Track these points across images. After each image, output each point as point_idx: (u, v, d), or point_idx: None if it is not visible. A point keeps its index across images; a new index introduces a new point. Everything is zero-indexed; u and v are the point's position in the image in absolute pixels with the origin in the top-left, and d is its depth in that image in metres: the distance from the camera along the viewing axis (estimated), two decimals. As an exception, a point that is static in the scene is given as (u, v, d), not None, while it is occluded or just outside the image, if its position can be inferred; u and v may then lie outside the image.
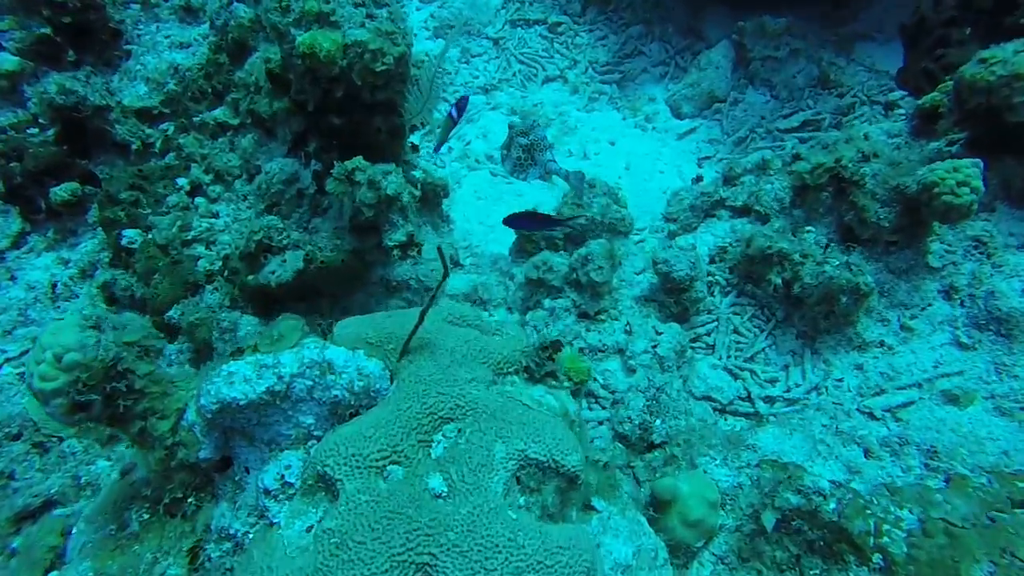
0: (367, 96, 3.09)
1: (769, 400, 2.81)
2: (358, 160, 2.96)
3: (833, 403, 2.63)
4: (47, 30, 3.98)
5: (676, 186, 5.07)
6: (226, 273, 3.38)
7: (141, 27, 4.36)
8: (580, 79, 5.97)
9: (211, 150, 3.95)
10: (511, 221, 2.98)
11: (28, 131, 3.77)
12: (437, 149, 3.53)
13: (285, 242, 3.27)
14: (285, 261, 3.23)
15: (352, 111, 3.18)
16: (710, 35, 5.72)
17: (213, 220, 3.72)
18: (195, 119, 3.97)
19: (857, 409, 2.57)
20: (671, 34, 5.96)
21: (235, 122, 3.96)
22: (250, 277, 3.29)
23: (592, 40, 6.24)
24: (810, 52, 5.18)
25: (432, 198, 4.12)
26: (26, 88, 3.93)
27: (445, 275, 1.64)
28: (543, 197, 5.02)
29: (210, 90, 4.02)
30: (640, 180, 5.10)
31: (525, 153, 3.28)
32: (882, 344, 2.75)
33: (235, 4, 4.14)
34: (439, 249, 1.65)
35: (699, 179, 4.14)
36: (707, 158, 5.24)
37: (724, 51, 5.41)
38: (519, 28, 6.43)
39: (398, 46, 3.04)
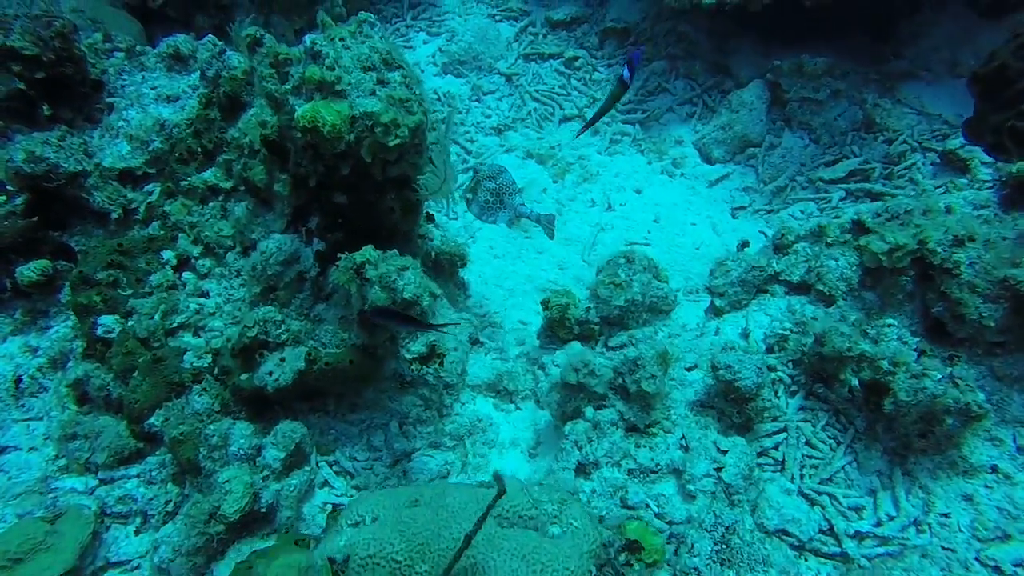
0: (378, 172, 2.67)
1: (857, 537, 2.36)
2: (368, 252, 2.53)
3: (943, 547, 2.19)
4: (20, 85, 3.57)
5: (710, 240, 4.66)
6: (216, 371, 2.94)
7: (125, 77, 3.95)
8: (604, 120, 5.56)
9: (200, 217, 3.52)
10: (376, 315, 2.38)
11: (-6, 200, 3.34)
12: (593, 122, 2.84)
13: (284, 336, 2.83)
14: (284, 360, 2.79)
15: (360, 188, 2.75)
16: (740, 72, 5.32)
17: (202, 300, 3.29)
18: (183, 183, 3.54)
19: (976, 559, 2.13)
20: (697, 71, 5.57)
21: (227, 185, 3.54)
22: (244, 377, 2.85)
23: (611, 76, 5.84)
24: (852, 93, 4.78)
25: (448, 267, 3.69)
26: (-6, 150, 3.51)
27: (500, 494, 1.21)
28: (565, 253, 4.60)
29: (200, 149, 3.60)
30: (671, 234, 4.68)
31: (493, 197, 3.22)
32: (995, 470, 2.31)
33: (228, 53, 3.74)
34: (496, 476, 1.22)
35: (745, 244, 3.71)
36: (742, 208, 4.83)
37: (757, 91, 5.01)
38: (533, 63, 6.03)
39: (414, 114, 2.62)
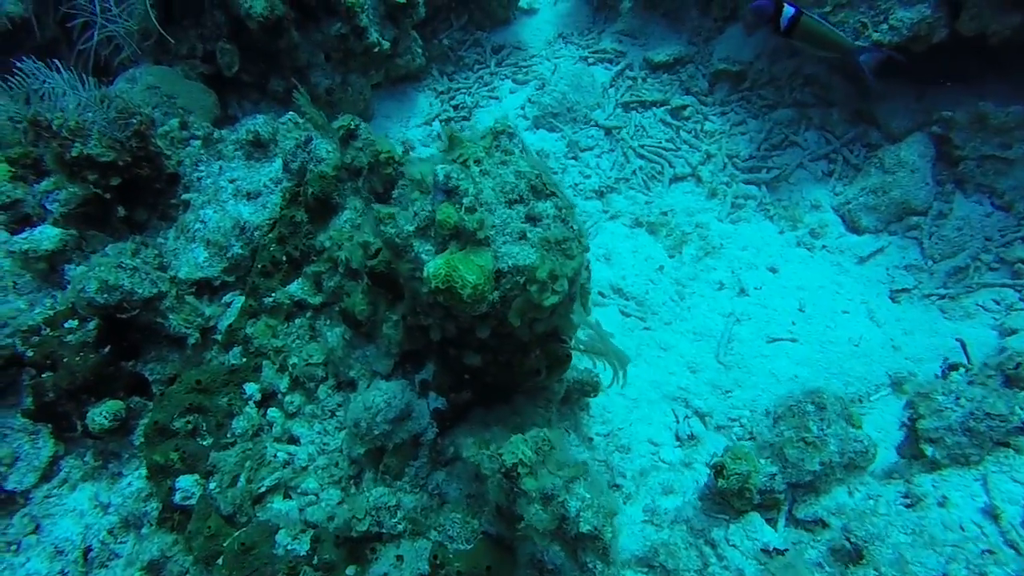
0: (525, 333, 2.05)
1: None
2: (520, 448, 1.91)
3: None
4: (95, 189, 3.17)
5: (869, 332, 3.87)
6: (316, 560, 2.39)
7: (202, 168, 3.50)
8: (718, 178, 4.85)
9: (286, 338, 3.01)
10: None
11: (65, 324, 2.91)
12: None
13: (400, 527, 2.25)
14: (401, 559, 2.21)
15: (499, 349, 2.15)
16: (889, 122, 4.51)
17: (292, 449, 2.76)
18: (266, 299, 3.04)
19: None
20: (834, 120, 4.78)
21: (316, 301, 3.02)
22: (351, 570, 2.29)
23: (727, 126, 5.12)
24: (1048, 150, 3.91)
25: (577, 396, 3.07)
26: (69, 267, 3.11)
27: None
28: (695, 351, 3.90)
29: (284, 258, 3.10)
30: (820, 326, 3.92)
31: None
32: None
33: (315, 142, 3.23)
34: None
35: (953, 368, 2.94)
36: (905, 291, 4.02)
37: (919, 147, 4.20)
38: (634, 112, 5.37)
39: (573, 258, 2.00)
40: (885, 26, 3.86)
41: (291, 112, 3.79)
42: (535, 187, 2.03)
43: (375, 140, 2.91)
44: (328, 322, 3.00)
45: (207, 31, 4.52)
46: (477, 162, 2.02)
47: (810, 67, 4.95)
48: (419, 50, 5.29)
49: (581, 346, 2.24)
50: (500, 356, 2.16)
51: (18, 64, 2.69)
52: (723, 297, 4.17)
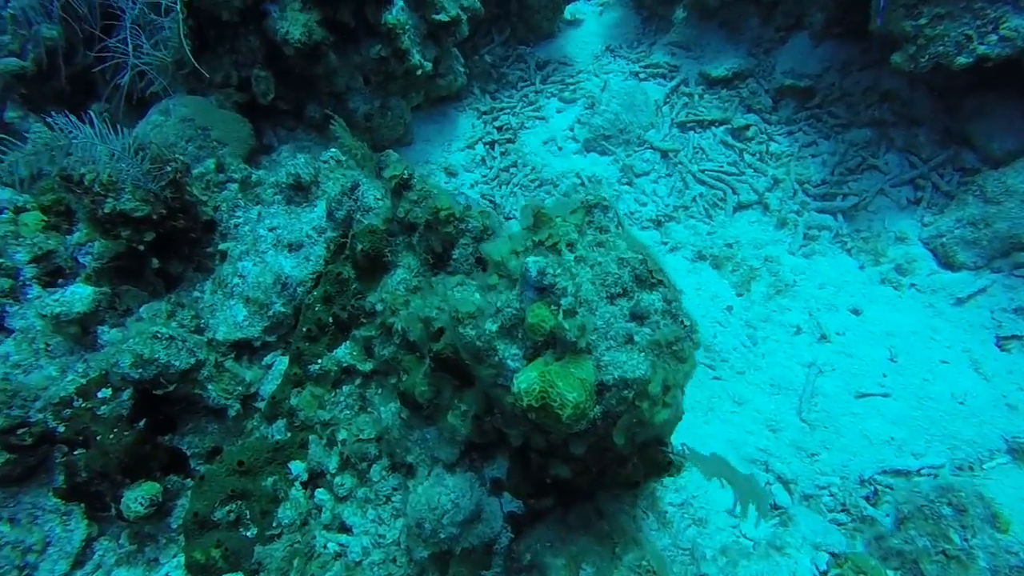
0: (626, 447, 1.73)
1: None
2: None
3: None
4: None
5: (975, 387, 3.45)
6: None
7: (239, 214, 3.24)
8: (787, 206, 4.45)
9: (334, 408, 2.74)
10: None
11: (99, 393, 2.68)
12: None
13: (473, 658, 1.95)
14: None
15: (593, 461, 1.83)
16: (989, 143, 4.06)
17: (344, 540, 2.48)
18: (312, 367, 2.77)
19: None
20: (920, 141, 4.35)
21: (366, 368, 2.74)
22: None
23: (794, 147, 4.71)
24: None
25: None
26: (102, 329, 2.88)
27: None
28: (774, 406, 3.53)
29: (331, 320, 2.82)
30: (916, 379, 3.52)
31: None
32: None
33: (362, 188, 2.94)
34: None
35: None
36: (1015, 337, 3.59)
37: (1025, 174, 3.75)
38: (692, 132, 4.99)
39: (685, 360, 1.67)
40: (994, 37, 3.43)
41: (333, 149, 3.52)
42: (639, 275, 1.70)
43: (432, 193, 2.61)
44: (379, 391, 2.72)
45: (242, 57, 4.26)
46: (570, 246, 1.70)
47: (889, 80, 4.52)
48: (461, 69, 4.98)
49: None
50: (593, 467, 1.85)
51: (51, 117, 2.44)
52: (801, 343, 3.79)
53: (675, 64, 5.40)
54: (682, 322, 1.70)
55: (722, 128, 4.96)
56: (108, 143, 2.63)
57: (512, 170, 4.97)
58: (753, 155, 4.75)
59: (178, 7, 3.57)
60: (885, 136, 4.46)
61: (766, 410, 3.51)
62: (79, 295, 2.82)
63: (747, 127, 4.85)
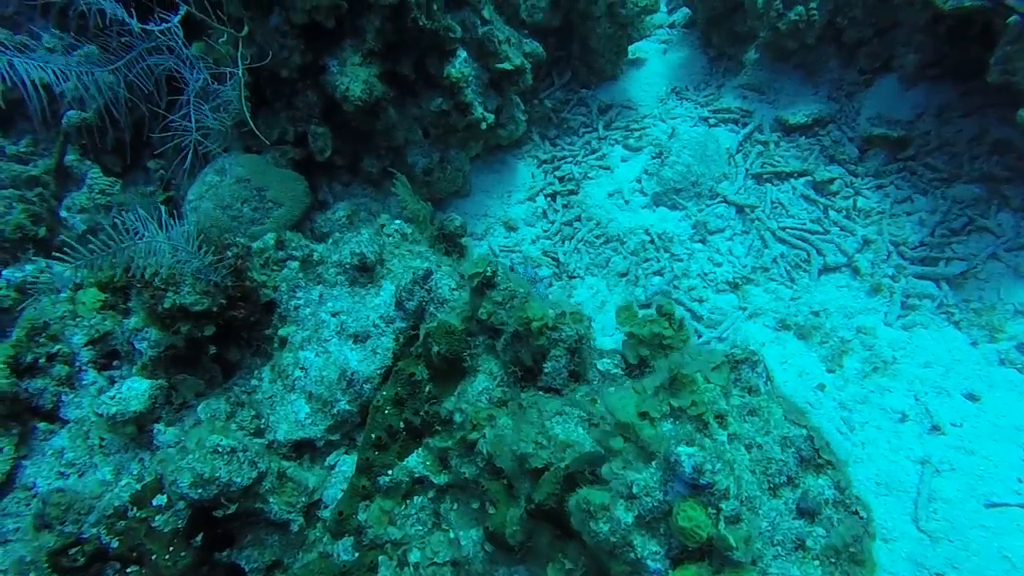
0: (787, 666, 1.41)
1: None
2: None
3: None
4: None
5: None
6: None
7: (299, 295, 3.03)
8: (881, 270, 4.07)
9: (404, 523, 2.49)
10: None
11: (153, 501, 2.47)
12: None
13: None
14: None
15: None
16: (1116, 210, 3.63)
17: None
18: (381, 479, 2.52)
19: None
20: (1036, 201, 3.93)
21: (440, 480, 2.48)
22: None
23: (886, 203, 4.33)
24: None
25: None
26: (158, 428, 2.69)
27: None
28: (883, 509, 3.15)
29: (402, 425, 2.57)
30: (1052, 484, 3.10)
31: None
32: None
33: (435, 277, 2.70)
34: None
35: None
36: None
37: None
38: (769, 185, 4.64)
39: (863, 564, 1.35)
40: None
41: (397, 221, 3.30)
42: (803, 455, 1.40)
43: (518, 293, 2.34)
44: (454, 506, 2.46)
45: (298, 112, 4.10)
46: (720, 419, 1.40)
47: (1000, 129, 4.11)
48: (522, 117, 4.74)
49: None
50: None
51: (107, 226, 2.27)
52: (908, 433, 3.40)
53: (747, 109, 5.07)
54: (857, 512, 1.39)
55: (802, 180, 4.61)
56: (170, 234, 2.45)
57: (576, 224, 4.69)
58: (839, 211, 4.38)
59: (239, 73, 3.41)
60: (997, 193, 4.05)
61: (875, 515, 3.12)
62: (135, 392, 2.63)
63: (831, 180, 4.48)
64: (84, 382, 2.93)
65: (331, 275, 3.03)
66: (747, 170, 4.74)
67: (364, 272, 2.99)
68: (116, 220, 2.25)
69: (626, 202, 4.73)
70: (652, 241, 4.49)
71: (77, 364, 2.94)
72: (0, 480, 2.58)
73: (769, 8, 4.63)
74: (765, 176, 4.68)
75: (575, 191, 4.86)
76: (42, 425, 2.83)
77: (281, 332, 2.93)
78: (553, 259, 4.55)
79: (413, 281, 2.70)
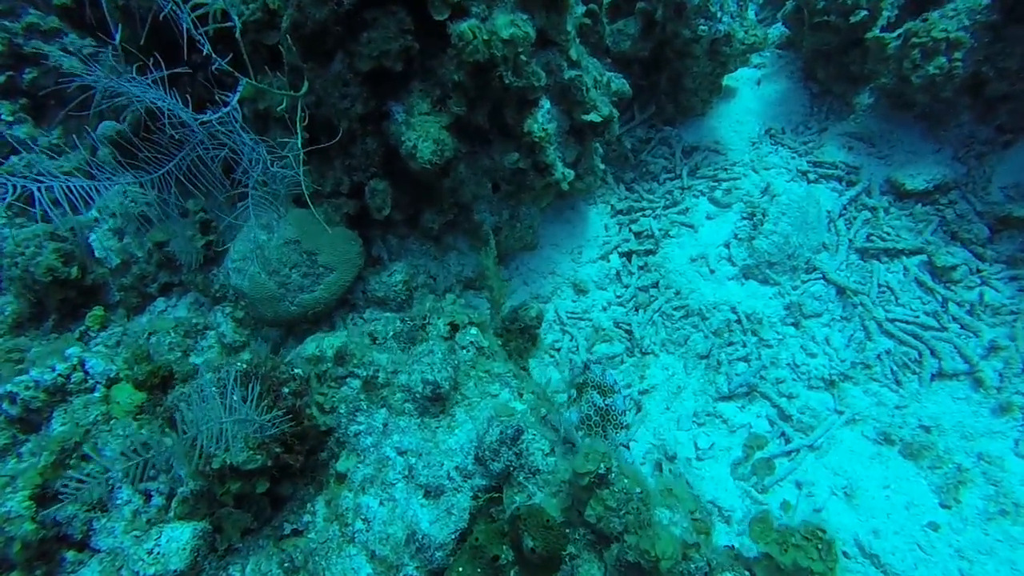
0: None
1: None
2: None
3: None
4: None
5: None
6: None
7: (360, 419, 2.67)
8: (1012, 385, 3.56)
9: None
10: None
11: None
12: None
13: None
14: None
15: None
16: None
17: None
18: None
19: None
20: None
21: None
22: None
23: (1022, 300, 3.77)
24: None
25: None
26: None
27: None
28: None
29: (481, 613, 2.20)
30: None
31: (599, 417, 2.68)
32: None
33: (526, 438, 2.29)
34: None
35: None
36: None
37: None
38: (877, 263, 4.09)
39: None
40: None
41: (473, 329, 2.86)
42: None
43: (636, 500, 1.92)
44: None
45: (355, 161, 3.63)
46: None
47: None
48: (601, 166, 4.20)
49: None
50: None
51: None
52: (1042, 602, 2.97)
53: (854, 165, 4.46)
54: None
55: (917, 260, 4.05)
56: (229, 402, 2.05)
57: (652, 291, 4.21)
58: (960, 305, 3.84)
59: (298, 137, 2.94)
60: None
61: None
62: (176, 543, 2.30)
63: (952, 268, 3.92)
64: (117, 501, 2.61)
65: (398, 402, 2.63)
66: (851, 241, 4.19)
67: (436, 402, 2.58)
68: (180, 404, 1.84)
69: (711, 271, 4.22)
70: (739, 320, 4.00)
71: (110, 481, 2.61)
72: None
73: (904, 57, 3.96)
74: (872, 252, 4.13)
75: (653, 251, 4.36)
76: (70, 555, 2.52)
77: (339, 467, 2.56)
78: (626, 332, 4.10)
79: (500, 441, 2.28)
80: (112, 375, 2.80)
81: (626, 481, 1.97)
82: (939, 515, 3.29)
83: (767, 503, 3.44)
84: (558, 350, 4.06)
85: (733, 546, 2.16)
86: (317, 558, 2.44)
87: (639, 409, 3.80)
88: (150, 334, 3.55)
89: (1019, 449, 3.39)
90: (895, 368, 3.76)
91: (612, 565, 1.97)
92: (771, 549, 1.90)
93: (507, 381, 2.69)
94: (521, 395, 2.61)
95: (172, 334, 3.55)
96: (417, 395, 2.56)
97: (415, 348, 2.72)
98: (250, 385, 2.11)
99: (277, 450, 2.26)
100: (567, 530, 2.08)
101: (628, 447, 2.93)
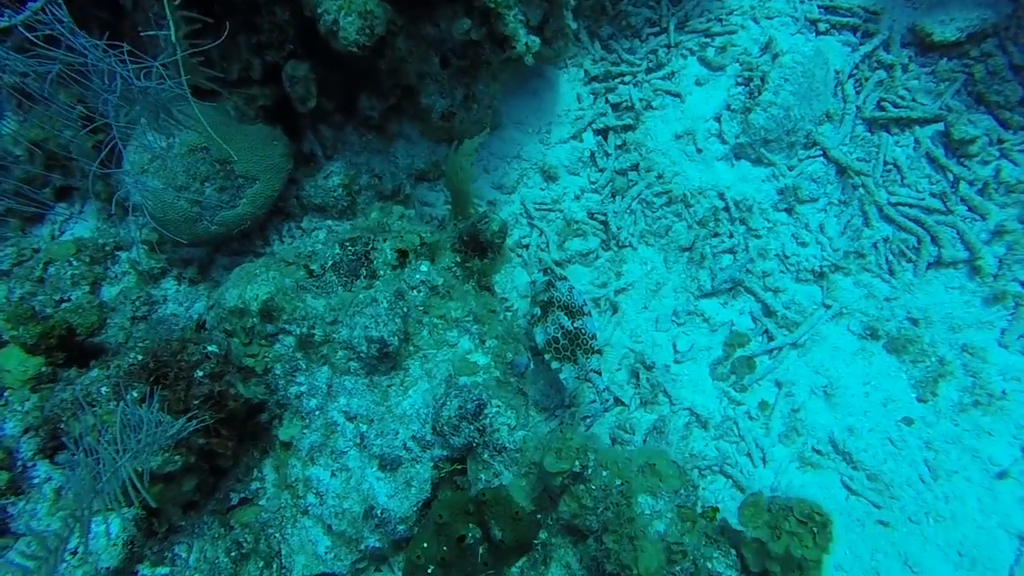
0: None
1: None
2: None
3: None
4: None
5: None
6: None
7: (300, 379, 2.37)
8: (1010, 273, 3.32)
9: None
10: None
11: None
12: None
13: None
14: None
15: None
16: None
17: None
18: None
19: None
20: None
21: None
22: None
23: (1035, 179, 3.40)
24: None
25: None
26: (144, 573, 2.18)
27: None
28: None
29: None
30: None
31: (566, 340, 2.62)
32: None
33: (489, 412, 2.02)
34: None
35: None
36: None
37: None
38: (886, 134, 3.60)
39: None
40: None
41: (424, 265, 2.42)
42: None
43: (615, 495, 1.69)
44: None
45: (265, 37, 2.87)
46: None
47: None
48: (572, 25, 3.43)
49: None
50: None
51: None
52: (1006, 494, 3.02)
53: (874, 9, 3.74)
54: None
55: (931, 131, 3.57)
56: (130, 416, 1.64)
57: (631, 175, 3.72)
58: (972, 184, 3.46)
59: (170, 25, 2.17)
60: None
61: (948, 590, 2.90)
62: (104, 539, 2.06)
63: (971, 140, 3.46)
64: (34, 480, 2.33)
65: (341, 360, 2.27)
66: (859, 109, 3.65)
67: (385, 359, 2.24)
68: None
69: (698, 150, 3.69)
70: (727, 208, 3.59)
71: (19, 462, 2.31)
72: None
73: None
74: (882, 122, 3.61)
75: (632, 126, 3.77)
76: (-7, 540, 2.30)
77: (282, 435, 2.27)
78: (601, 223, 3.67)
79: (460, 416, 1.98)
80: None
81: (605, 475, 1.72)
82: (914, 409, 3.24)
83: (745, 402, 3.35)
84: (526, 247, 3.66)
85: (717, 508, 1.99)
86: (271, 530, 2.25)
87: (615, 310, 3.52)
88: (46, 264, 3.03)
89: (1004, 339, 3.26)
90: (891, 257, 3.47)
91: (587, 564, 1.79)
92: (761, 534, 1.72)
93: (466, 327, 2.33)
94: (483, 342, 2.27)
95: (74, 263, 3.04)
96: (362, 354, 2.20)
97: (356, 288, 2.30)
98: (150, 391, 1.72)
99: (200, 442, 1.93)
100: (538, 516, 1.87)
101: (600, 372, 2.69)
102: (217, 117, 2.89)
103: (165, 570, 2.18)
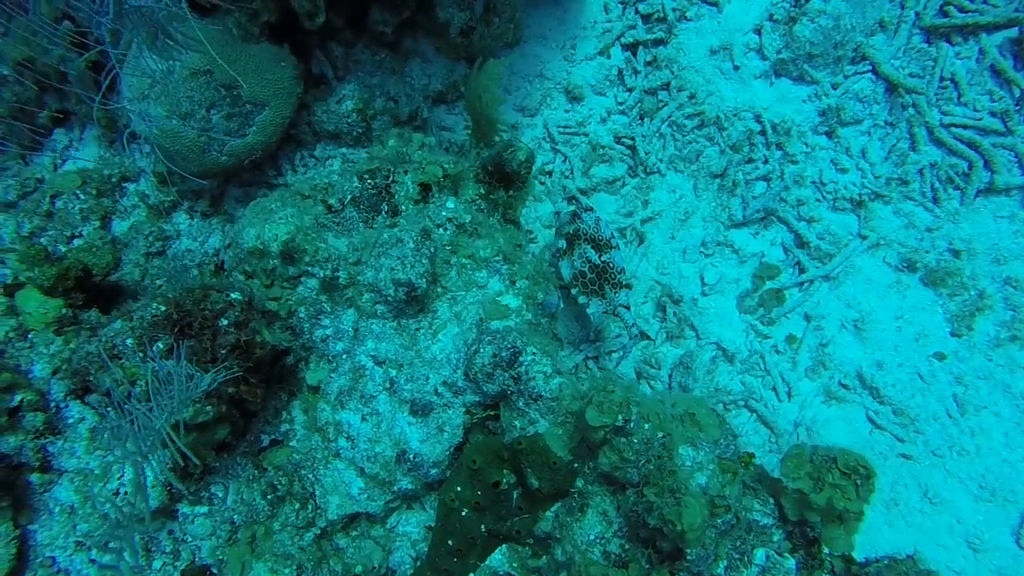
0: None
1: None
2: None
3: None
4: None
5: None
6: None
7: (326, 322, 2.31)
8: (1062, 203, 3.14)
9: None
10: None
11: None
12: None
13: None
14: None
15: None
16: None
17: None
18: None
19: None
20: None
21: (531, 580, 2.17)
22: None
23: (1104, 98, 3.13)
24: None
25: None
26: (184, 511, 2.23)
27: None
28: (979, 516, 2.95)
29: (484, 529, 2.14)
30: None
31: (593, 275, 2.57)
32: None
33: (524, 362, 1.97)
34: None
35: None
36: None
37: None
38: (946, 44, 3.30)
39: None
40: None
41: (451, 201, 2.29)
42: None
43: (657, 448, 1.66)
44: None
45: (263, -58, 2.57)
46: None
47: None
48: None
49: None
50: None
51: None
52: (1032, 428, 3.01)
53: None
54: None
55: (1001, 38, 3.25)
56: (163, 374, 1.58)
57: (662, 95, 3.46)
58: (1034, 104, 3.20)
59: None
60: None
61: (969, 520, 2.94)
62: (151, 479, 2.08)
63: (1039, 53, 3.16)
64: (69, 420, 2.34)
65: (367, 303, 2.19)
66: (918, 16, 3.32)
67: (412, 303, 2.16)
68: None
69: (735, 67, 3.41)
70: (763, 132, 3.37)
71: (52, 403, 2.31)
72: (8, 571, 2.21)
73: None
74: (942, 30, 3.30)
75: (664, 40, 3.46)
76: (35, 477, 2.34)
77: (310, 378, 2.24)
78: (629, 147, 3.47)
79: (494, 364, 1.92)
80: (8, 281, 2.29)
81: (647, 427, 1.67)
82: (948, 344, 3.17)
83: (772, 336, 3.29)
84: (549, 174, 3.48)
85: (752, 455, 1.97)
86: (304, 471, 2.27)
87: (641, 241, 3.39)
88: (53, 197, 2.91)
89: (1052, 270, 3.13)
90: (937, 184, 3.28)
91: (626, 513, 1.78)
92: (804, 485, 1.69)
93: (496, 267, 2.23)
94: (513, 282, 2.18)
95: (81, 196, 2.91)
96: (389, 298, 2.11)
97: (379, 225, 2.18)
98: (176, 342, 1.66)
99: (230, 391, 1.90)
100: (575, 465, 1.85)
101: (628, 307, 2.61)
102: (219, 37, 2.65)
103: (203, 508, 2.23)
